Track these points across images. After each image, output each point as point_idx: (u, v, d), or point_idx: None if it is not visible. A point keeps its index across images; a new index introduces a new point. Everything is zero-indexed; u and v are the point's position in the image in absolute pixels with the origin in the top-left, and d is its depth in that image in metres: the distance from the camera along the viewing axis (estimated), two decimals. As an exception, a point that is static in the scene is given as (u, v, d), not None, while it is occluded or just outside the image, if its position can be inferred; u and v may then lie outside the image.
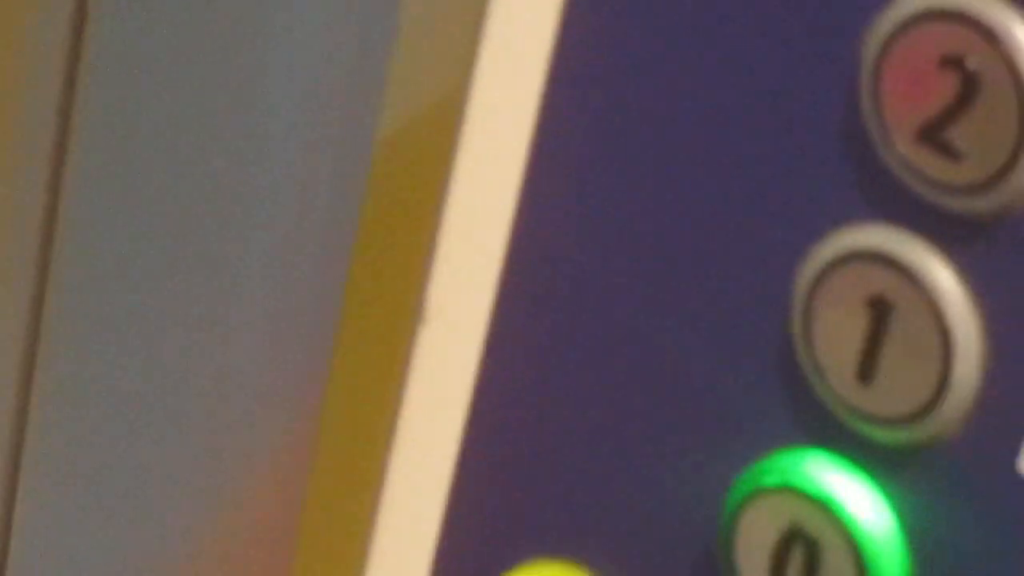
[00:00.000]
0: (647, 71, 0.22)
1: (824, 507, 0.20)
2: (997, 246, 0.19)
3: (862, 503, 0.20)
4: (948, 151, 0.19)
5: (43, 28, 0.24)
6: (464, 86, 0.23)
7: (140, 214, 0.24)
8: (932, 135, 0.19)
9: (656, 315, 0.22)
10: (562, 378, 0.23)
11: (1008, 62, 0.18)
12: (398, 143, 0.26)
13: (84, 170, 0.24)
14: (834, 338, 0.20)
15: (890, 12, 0.19)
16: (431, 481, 0.24)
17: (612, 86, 0.22)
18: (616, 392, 0.22)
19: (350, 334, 0.26)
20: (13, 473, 0.25)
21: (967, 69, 0.18)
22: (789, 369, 0.20)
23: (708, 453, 0.21)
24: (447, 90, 0.24)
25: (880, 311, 0.19)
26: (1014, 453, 0.19)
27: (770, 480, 0.21)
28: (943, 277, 0.19)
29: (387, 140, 0.25)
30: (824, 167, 0.20)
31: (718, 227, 0.21)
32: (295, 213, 0.25)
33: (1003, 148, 0.18)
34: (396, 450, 0.24)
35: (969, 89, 0.18)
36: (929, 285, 0.19)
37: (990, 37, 0.18)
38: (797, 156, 0.20)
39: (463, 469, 0.24)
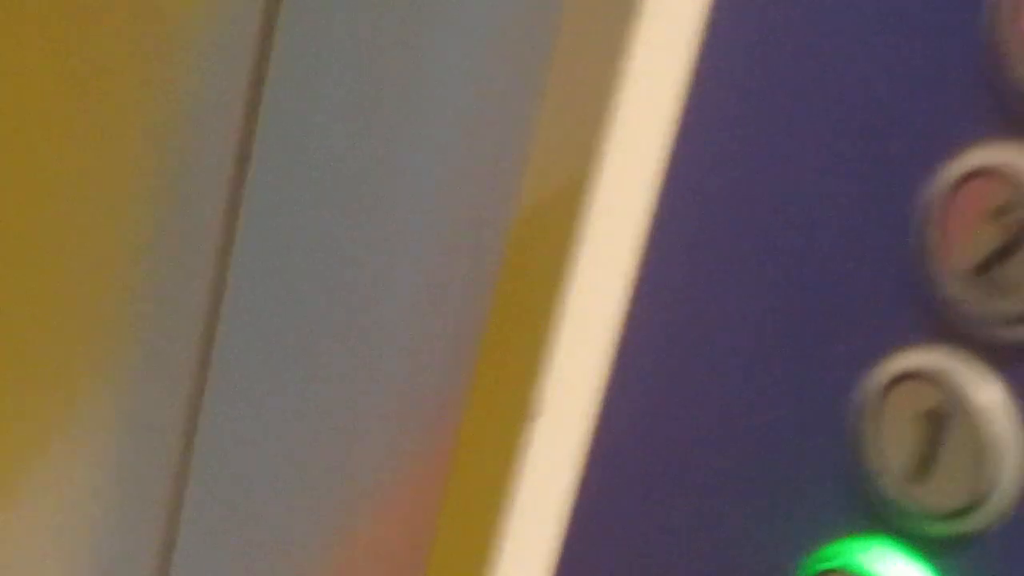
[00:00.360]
0: (747, 198, 0.25)
1: (880, 590, 0.23)
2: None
3: (915, 587, 0.23)
4: (997, 286, 0.22)
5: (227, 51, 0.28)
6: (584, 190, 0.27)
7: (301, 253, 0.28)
8: (983, 273, 0.22)
9: (743, 417, 0.25)
10: (659, 470, 0.26)
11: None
12: (527, 235, 0.30)
13: (261, 184, 0.28)
14: (895, 442, 0.23)
15: (950, 167, 0.22)
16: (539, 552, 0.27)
17: (722, 196, 0.25)
18: (707, 482, 0.25)
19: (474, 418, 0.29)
20: (184, 467, 0.29)
21: (1014, 219, 0.22)
22: (854, 466, 0.23)
23: (781, 536, 0.24)
24: (570, 188, 0.28)
25: (936, 422, 0.22)
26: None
27: (829, 565, 0.24)
28: (991, 394, 0.22)
29: (516, 232, 0.29)
30: (892, 296, 0.23)
31: (802, 340, 0.24)
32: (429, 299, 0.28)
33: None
34: (509, 525, 0.28)
35: (1016, 236, 0.22)
36: (979, 401, 0.22)
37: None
38: (871, 286, 0.23)
39: (568, 540, 0.27)
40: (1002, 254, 0.22)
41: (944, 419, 0.22)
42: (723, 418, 0.25)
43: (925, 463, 0.22)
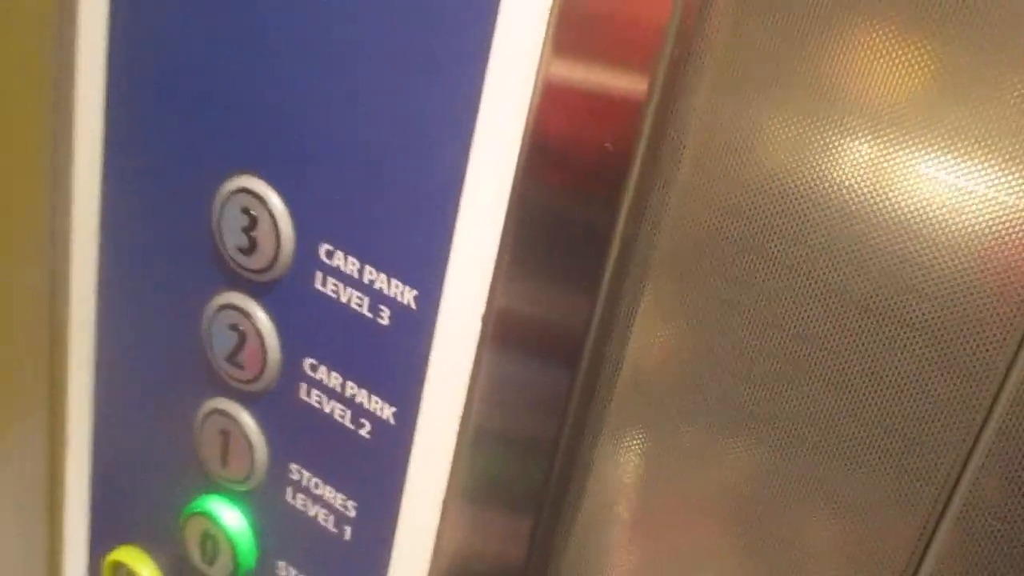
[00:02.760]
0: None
1: (216, 522, 0.41)
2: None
3: (231, 517, 0.41)
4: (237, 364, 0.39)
5: None
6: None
7: None
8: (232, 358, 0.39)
9: (138, 432, 0.42)
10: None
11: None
12: None
13: None
14: (210, 447, 0.40)
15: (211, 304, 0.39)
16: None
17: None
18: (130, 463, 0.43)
19: None
20: None
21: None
22: (197, 461, 0.41)
23: (171, 498, 0.42)
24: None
25: (225, 435, 0.40)
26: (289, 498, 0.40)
27: (195, 509, 0.42)
28: (249, 420, 0.40)
29: None
30: (195, 362, 0.40)
31: (163, 384, 0.41)
32: None
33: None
34: None
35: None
36: (245, 424, 0.39)
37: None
38: (188, 360, 0.41)
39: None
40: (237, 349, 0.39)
41: (228, 432, 0.40)
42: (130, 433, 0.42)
43: (225, 456, 0.40)
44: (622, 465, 0.41)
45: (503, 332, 0.36)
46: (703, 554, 0.40)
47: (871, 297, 0.33)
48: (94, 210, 0.42)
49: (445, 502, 0.37)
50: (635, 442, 0.41)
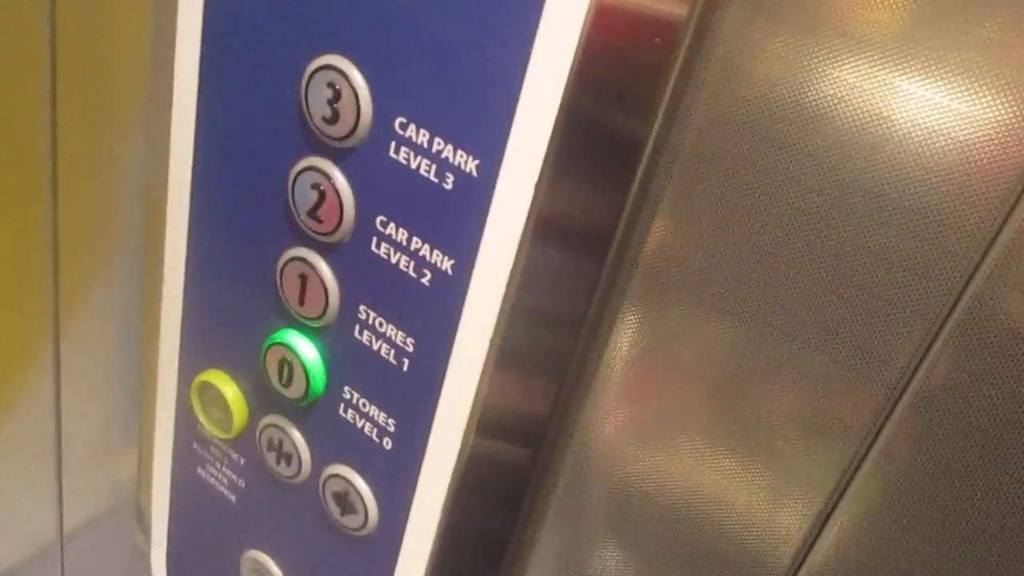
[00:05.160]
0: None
1: (293, 351, 0.45)
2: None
3: (306, 348, 0.45)
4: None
5: None
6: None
7: None
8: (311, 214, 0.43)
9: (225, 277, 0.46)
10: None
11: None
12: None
13: None
14: (290, 289, 0.45)
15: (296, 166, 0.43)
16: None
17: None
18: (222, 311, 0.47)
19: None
20: None
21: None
22: (278, 301, 0.45)
23: (254, 331, 0.47)
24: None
25: (303, 279, 0.44)
26: (354, 328, 0.44)
27: (275, 340, 0.46)
28: (322, 266, 0.44)
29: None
30: (282, 219, 0.44)
31: (244, 236, 0.46)
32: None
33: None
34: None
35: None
36: (318, 272, 0.44)
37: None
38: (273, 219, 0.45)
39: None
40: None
41: (306, 277, 0.44)
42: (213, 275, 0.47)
43: (302, 296, 0.45)
44: (634, 341, 0.45)
45: (546, 220, 0.40)
46: (694, 416, 0.45)
47: (838, 203, 0.37)
48: (193, 80, 0.45)
49: (491, 341, 0.41)
50: (647, 322, 0.45)
